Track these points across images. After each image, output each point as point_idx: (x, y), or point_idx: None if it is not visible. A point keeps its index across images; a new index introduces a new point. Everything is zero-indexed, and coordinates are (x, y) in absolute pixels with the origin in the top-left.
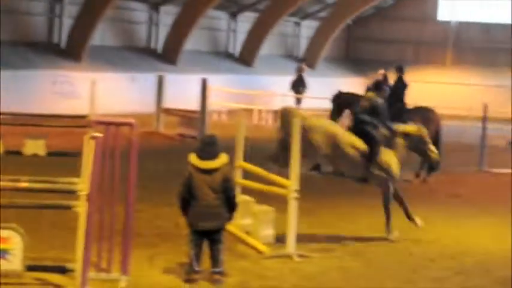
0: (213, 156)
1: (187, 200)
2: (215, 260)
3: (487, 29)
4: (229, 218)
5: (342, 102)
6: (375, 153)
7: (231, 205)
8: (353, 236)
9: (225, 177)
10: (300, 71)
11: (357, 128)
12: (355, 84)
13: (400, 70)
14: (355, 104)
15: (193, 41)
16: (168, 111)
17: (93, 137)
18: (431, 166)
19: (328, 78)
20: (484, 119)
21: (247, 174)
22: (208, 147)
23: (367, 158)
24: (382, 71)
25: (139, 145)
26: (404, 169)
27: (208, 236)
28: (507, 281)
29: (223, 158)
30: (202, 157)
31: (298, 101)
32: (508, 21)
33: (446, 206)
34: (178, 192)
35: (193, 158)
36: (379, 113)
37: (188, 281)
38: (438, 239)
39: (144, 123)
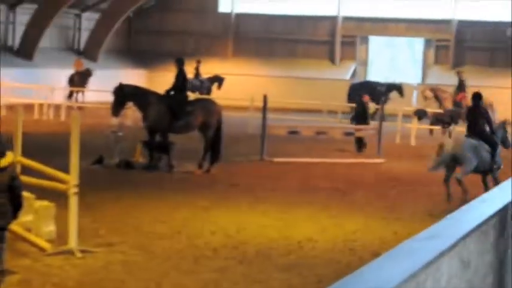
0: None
1: None
2: None
3: (265, 20)
4: (14, 217)
5: (124, 94)
6: None
7: (17, 204)
8: (135, 229)
9: (11, 176)
10: (76, 66)
11: None
12: (137, 77)
13: (180, 62)
14: (138, 96)
15: None
16: None
17: None
18: (213, 157)
19: (109, 70)
20: (264, 110)
21: (26, 170)
22: None
23: None
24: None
25: None
26: (187, 160)
27: None
28: (288, 267)
29: (9, 157)
30: None
31: (71, 94)
32: (287, 13)
33: (227, 196)
34: None
35: None
36: None
37: None
38: (220, 229)
39: None
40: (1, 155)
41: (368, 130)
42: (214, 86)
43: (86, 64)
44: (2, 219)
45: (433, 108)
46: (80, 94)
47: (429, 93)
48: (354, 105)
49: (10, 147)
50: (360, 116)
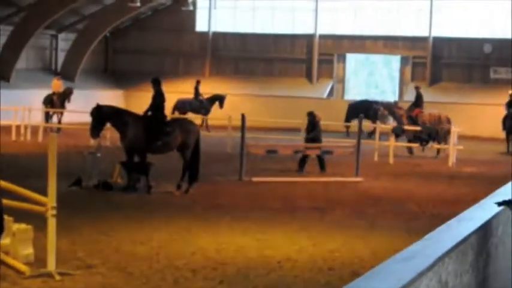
0: None
1: None
2: None
3: (243, 39)
4: None
5: (101, 115)
6: None
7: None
8: (115, 251)
9: None
10: (54, 87)
11: None
12: (114, 97)
13: (156, 82)
14: (116, 116)
15: None
16: None
17: None
18: (192, 177)
19: (87, 91)
20: (243, 129)
21: (2, 192)
22: None
23: None
24: None
25: None
26: (166, 180)
27: None
28: (267, 286)
29: None
30: None
31: (48, 116)
32: (264, 32)
33: (207, 217)
34: None
35: None
36: None
37: None
38: (200, 250)
39: None
40: None
41: (347, 148)
42: (215, 106)
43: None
44: None
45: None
46: (58, 115)
47: (384, 111)
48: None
49: None
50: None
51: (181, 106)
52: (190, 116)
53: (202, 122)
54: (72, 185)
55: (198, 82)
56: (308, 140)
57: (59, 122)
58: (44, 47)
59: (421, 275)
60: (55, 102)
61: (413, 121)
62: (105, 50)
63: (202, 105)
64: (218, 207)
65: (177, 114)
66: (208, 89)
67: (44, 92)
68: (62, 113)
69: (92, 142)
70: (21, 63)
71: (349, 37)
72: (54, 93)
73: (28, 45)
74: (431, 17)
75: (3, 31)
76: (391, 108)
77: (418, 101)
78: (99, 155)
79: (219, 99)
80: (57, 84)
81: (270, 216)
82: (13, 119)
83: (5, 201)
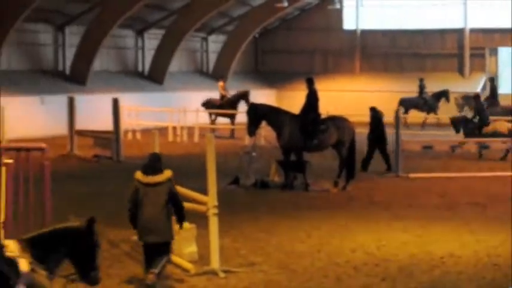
0: (157, 171)
1: (135, 214)
2: (155, 263)
3: (391, 35)
4: (181, 227)
5: (258, 114)
6: None
7: (180, 215)
8: (276, 248)
9: (169, 191)
10: (221, 90)
11: None
12: (265, 96)
13: (310, 82)
14: (272, 115)
15: (101, 61)
16: (81, 133)
17: (4, 164)
18: (349, 174)
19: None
20: (397, 125)
21: None
22: (153, 164)
23: None
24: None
25: (54, 169)
26: (322, 178)
27: (154, 247)
28: (432, 284)
29: (167, 173)
30: (147, 173)
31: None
32: (411, 27)
33: (365, 214)
34: (128, 207)
35: (138, 174)
36: None
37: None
38: (360, 247)
39: (57, 146)
40: (159, 171)
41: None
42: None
43: (214, 86)
44: (160, 234)
45: None
46: (213, 116)
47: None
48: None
49: (165, 166)
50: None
51: (405, 104)
52: (413, 113)
53: (424, 119)
54: (231, 184)
55: (421, 80)
56: (372, 140)
57: (232, 123)
58: (194, 50)
59: None
60: (223, 104)
61: None
62: (254, 51)
63: (426, 102)
64: (376, 204)
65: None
66: (358, 86)
67: (197, 94)
68: (234, 115)
69: (247, 142)
70: (173, 66)
71: (500, 30)
72: (222, 96)
73: (179, 48)
74: None
75: (155, 35)
76: None
77: None
78: (254, 154)
79: (444, 95)
80: (222, 87)
81: (429, 212)
82: (169, 121)
83: None
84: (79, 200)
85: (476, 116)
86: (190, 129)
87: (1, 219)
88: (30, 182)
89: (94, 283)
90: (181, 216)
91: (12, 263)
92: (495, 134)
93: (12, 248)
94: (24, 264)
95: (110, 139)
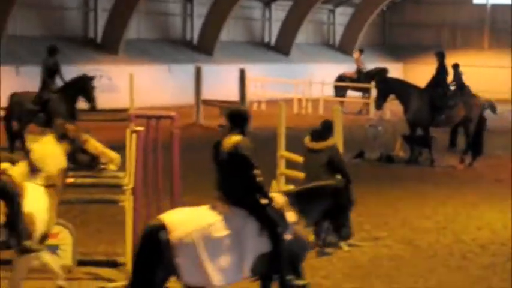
0: (322, 138)
1: None
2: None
3: None
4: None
5: (387, 87)
6: None
7: (346, 179)
8: (400, 224)
9: (329, 159)
10: (356, 63)
11: None
12: (392, 70)
13: (441, 56)
14: (401, 89)
15: (228, 31)
16: (207, 103)
17: (135, 131)
18: (475, 151)
19: (367, 64)
20: None
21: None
22: (321, 130)
23: None
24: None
25: (181, 137)
26: (449, 155)
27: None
28: None
29: (330, 141)
30: (313, 138)
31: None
32: None
33: (492, 192)
34: None
35: (306, 138)
36: None
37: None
38: (487, 225)
39: (184, 115)
40: (324, 138)
41: None
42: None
43: (340, 59)
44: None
45: None
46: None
47: None
48: None
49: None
50: None
51: None
52: None
53: None
54: (356, 157)
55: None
56: None
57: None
58: (321, 22)
59: None
60: (360, 78)
61: None
62: (382, 24)
63: None
64: (503, 181)
65: None
66: (486, 62)
67: (323, 67)
68: (369, 90)
69: (373, 115)
70: (300, 38)
71: None
72: (358, 69)
73: (306, 19)
74: None
75: (282, 6)
76: None
77: None
78: (380, 128)
79: None
80: (358, 59)
81: None
82: (294, 92)
83: (292, 173)
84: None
85: None
86: (314, 102)
87: (131, 185)
88: (159, 150)
89: (345, 238)
90: (348, 180)
91: (279, 213)
92: None
93: (279, 200)
94: (291, 216)
95: None
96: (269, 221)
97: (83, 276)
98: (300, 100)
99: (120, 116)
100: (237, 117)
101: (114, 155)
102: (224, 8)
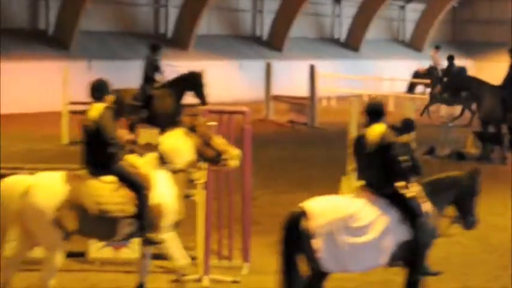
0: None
1: None
2: None
3: None
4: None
5: (459, 84)
6: None
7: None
8: None
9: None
10: (433, 60)
11: None
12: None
13: None
14: (474, 85)
15: (298, 27)
16: (277, 98)
17: (207, 126)
18: None
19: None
20: None
21: None
22: (400, 127)
23: None
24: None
25: (252, 133)
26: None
27: None
28: None
29: (407, 136)
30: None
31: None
32: None
33: None
34: None
35: None
36: None
37: None
38: None
39: (254, 110)
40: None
41: None
42: None
43: (410, 55)
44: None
45: None
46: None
47: None
48: None
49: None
50: None
51: None
52: None
53: None
54: (426, 153)
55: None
56: None
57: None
58: (392, 18)
59: None
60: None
61: None
62: (452, 21)
63: None
64: None
65: None
66: None
67: (393, 63)
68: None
69: (443, 113)
70: (370, 34)
71: None
72: (431, 66)
73: (376, 16)
74: None
75: (352, 2)
76: None
77: None
78: (451, 124)
79: None
80: (435, 58)
81: None
82: (364, 88)
83: None
84: (275, 164)
85: None
86: (384, 98)
87: (203, 180)
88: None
89: (470, 227)
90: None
91: (418, 202)
92: None
93: (415, 189)
94: (428, 206)
95: (305, 105)
96: (412, 210)
97: (156, 270)
98: (369, 96)
99: (191, 111)
100: (375, 110)
101: (236, 152)
102: (294, 4)
